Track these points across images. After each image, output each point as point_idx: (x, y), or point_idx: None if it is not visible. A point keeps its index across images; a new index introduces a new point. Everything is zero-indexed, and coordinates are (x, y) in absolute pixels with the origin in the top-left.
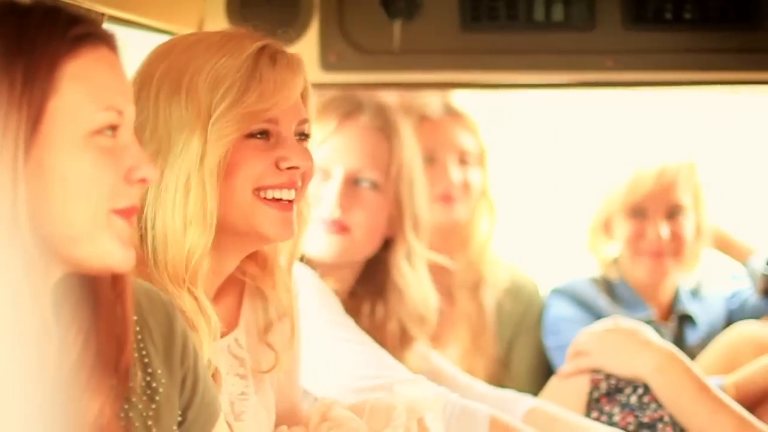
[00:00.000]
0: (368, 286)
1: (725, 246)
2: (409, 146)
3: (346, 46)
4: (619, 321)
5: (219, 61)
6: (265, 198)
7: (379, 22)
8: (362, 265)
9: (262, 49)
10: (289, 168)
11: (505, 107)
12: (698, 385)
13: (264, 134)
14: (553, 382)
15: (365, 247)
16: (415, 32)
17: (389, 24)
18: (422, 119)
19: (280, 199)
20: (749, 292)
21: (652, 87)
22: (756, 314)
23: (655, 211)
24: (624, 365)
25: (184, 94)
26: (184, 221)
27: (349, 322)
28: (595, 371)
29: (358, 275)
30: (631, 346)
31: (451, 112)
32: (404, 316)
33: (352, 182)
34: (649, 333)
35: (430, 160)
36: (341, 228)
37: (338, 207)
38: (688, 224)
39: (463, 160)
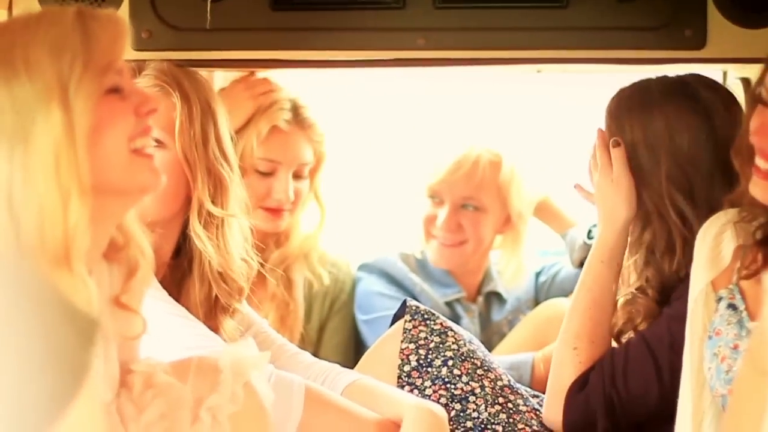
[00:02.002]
0: (180, 259)
1: (549, 216)
2: (197, 106)
3: (157, 23)
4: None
5: (48, 31)
6: (135, 149)
7: (191, 1)
8: (176, 234)
9: (80, 13)
10: (146, 113)
11: (318, 85)
12: None
13: (116, 90)
14: (365, 357)
15: (157, 206)
16: (227, 10)
17: (201, 2)
18: (273, 129)
19: (143, 147)
20: (558, 268)
21: (463, 65)
22: (564, 290)
23: (449, 199)
24: None
25: (23, 73)
26: (62, 196)
27: (162, 294)
28: (406, 342)
29: (173, 246)
30: None
31: (302, 124)
32: (211, 279)
33: None
34: None
35: (271, 172)
36: None
37: None
38: (480, 219)
39: (299, 174)
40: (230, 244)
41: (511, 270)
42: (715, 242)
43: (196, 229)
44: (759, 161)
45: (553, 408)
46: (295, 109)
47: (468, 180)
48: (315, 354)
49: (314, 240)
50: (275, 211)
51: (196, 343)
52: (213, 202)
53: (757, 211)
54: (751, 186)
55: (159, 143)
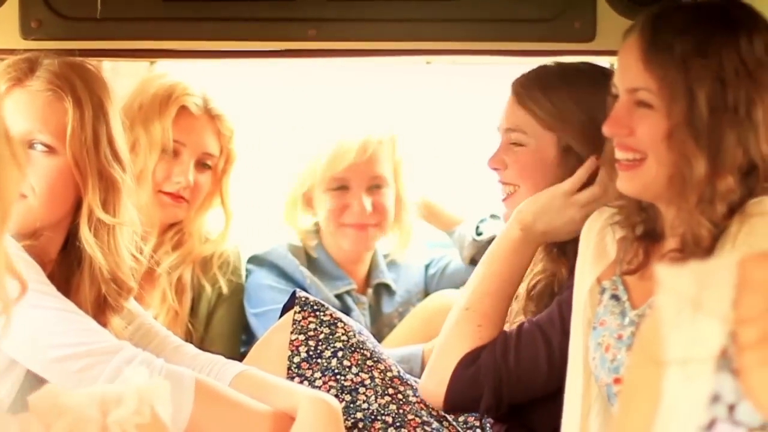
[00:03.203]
0: (69, 254)
1: (433, 216)
2: (89, 109)
3: (47, 12)
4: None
5: None
6: None
7: None
8: (64, 234)
9: None
10: None
11: (210, 76)
12: None
13: None
14: (254, 348)
15: (45, 212)
16: (118, 0)
17: None
18: (182, 111)
19: None
20: (447, 260)
21: (353, 56)
22: (454, 283)
23: (358, 183)
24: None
25: None
26: None
27: (50, 288)
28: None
29: (61, 243)
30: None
31: (210, 112)
32: (100, 280)
33: (26, 146)
34: None
35: (175, 153)
36: None
37: None
38: (390, 196)
39: (203, 164)
40: (120, 247)
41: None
42: (600, 236)
43: (85, 235)
44: (617, 154)
45: (436, 378)
46: (205, 98)
47: (374, 162)
48: (200, 346)
49: (216, 246)
50: (174, 197)
51: (86, 338)
52: (104, 206)
53: (630, 210)
54: (618, 182)
55: (49, 148)
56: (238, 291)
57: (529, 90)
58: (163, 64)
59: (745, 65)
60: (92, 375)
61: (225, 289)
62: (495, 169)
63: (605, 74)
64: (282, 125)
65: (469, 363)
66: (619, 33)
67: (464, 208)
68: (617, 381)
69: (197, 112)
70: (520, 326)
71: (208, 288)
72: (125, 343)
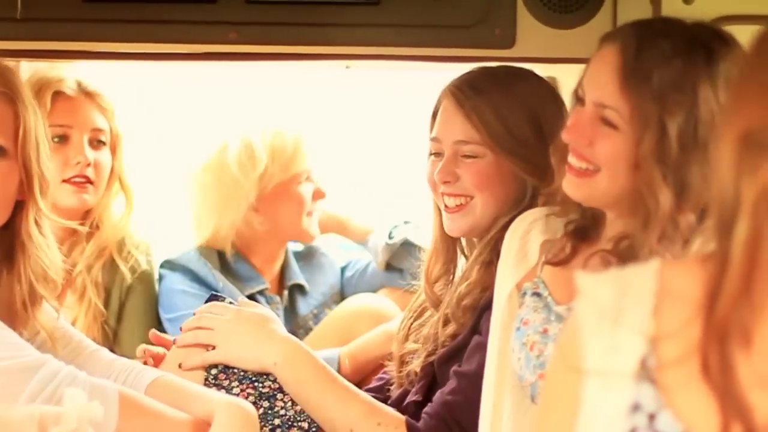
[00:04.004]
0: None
1: (343, 229)
2: (33, 111)
3: None
4: (243, 308)
5: None
6: None
7: None
8: None
9: None
10: None
11: (129, 79)
12: (323, 376)
13: None
14: (170, 355)
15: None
16: (38, 0)
17: None
18: (57, 94)
19: None
20: (365, 262)
21: (274, 60)
22: (371, 285)
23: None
24: (250, 360)
25: None
26: None
27: None
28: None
29: None
30: (256, 340)
31: (86, 91)
32: (33, 278)
33: None
34: (274, 323)
35: (63, 137)
36: None
37: None
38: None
39: (96, 141)
40: (52, 242)
41: None
42: (522, 242)
43: (32, 232)
44: (571, 159)
45: None
46: (77, 80)
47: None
48: (115, 341)
49: (124, 227)
50: (78, 184)
51: (6, 353)
52: (45, 206)
53: (570, 207)
54: (564, 183)
55: (1, 150)
56: (147, 280)
57: (471, 98)
58: (40, 65)
59: (718, 102)
60: (14, 392)
61: (140, 268)
62: (445, 182)
63: (544, 81)
64: (198, 128)
65: None
66: (538, 40)
67: (377, 216)
68: (542, 377)
69: (73, 93)
70: (454, 386)
71: (119, 278)
72: (48, 357)
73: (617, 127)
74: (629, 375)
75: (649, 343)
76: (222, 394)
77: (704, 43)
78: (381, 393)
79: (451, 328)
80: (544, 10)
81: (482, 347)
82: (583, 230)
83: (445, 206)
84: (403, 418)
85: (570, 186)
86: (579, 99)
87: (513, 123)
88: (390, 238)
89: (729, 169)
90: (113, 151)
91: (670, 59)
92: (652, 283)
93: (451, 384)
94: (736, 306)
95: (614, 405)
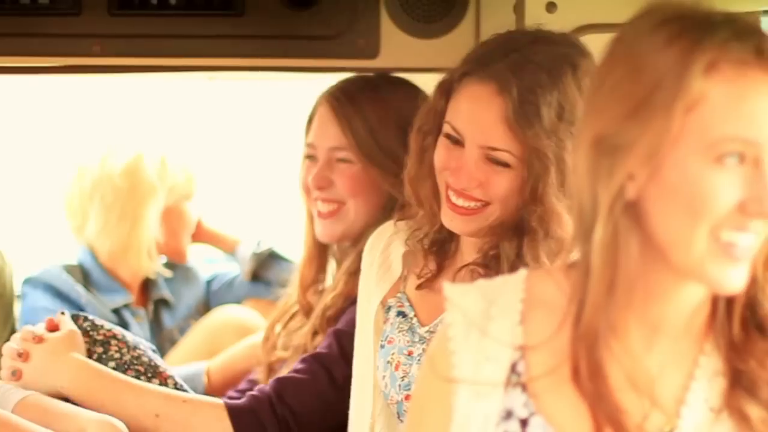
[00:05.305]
0: None
1: (211, 240)
2: None
3: None
4: (48, 334)
5: None
6: None
7: None
8: None
9: None
10: None
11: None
12: (113, 381)
13: None
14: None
15: None
16: None
17: None
18: None
19: None
20: (231, 275)
21: (137, 72)
22: (237, 298)
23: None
24: (42, 384)
25: None
26: None
27: None
28: None
29: None
30: (48, 363)
31: None
32: None
33: None
34: (70, 347)
35: None
36: None
37: None
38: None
39: None
40: None
41: None
42: (384, 256)
43: None
44: (455, 199)
45: None
46: None
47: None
48: None
49: None
50: None
51: None
52: None
53: (424, 222)
54: (446, 220)
55: None
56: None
57: (345, 107)
58: None
59: None
60: None
61: None
62: (321, 188)
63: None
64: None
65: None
66: (402, 50)
67: (243, 227)
68: (408, 398)
69: None
70: (297, 366)
71: None
72: None
73: (509, 165)
74: (500, 384)
75: (519, 352)
76: (91, 412)
77: (571, 62)
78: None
79: (319, 339)
80: (408, 20)
81: (335, 334)
82: (440, 244)
83: (318, 212)
84: (218, 400)
85: (456, 223)
86: (454, 140)
87: (382, 135)
88: (257, 248)
89: (586, 176)
90: None
91: (551, 91)
92: (520, 293)
93: (295, 366)
94: (601, 310)
95: (486, 413)
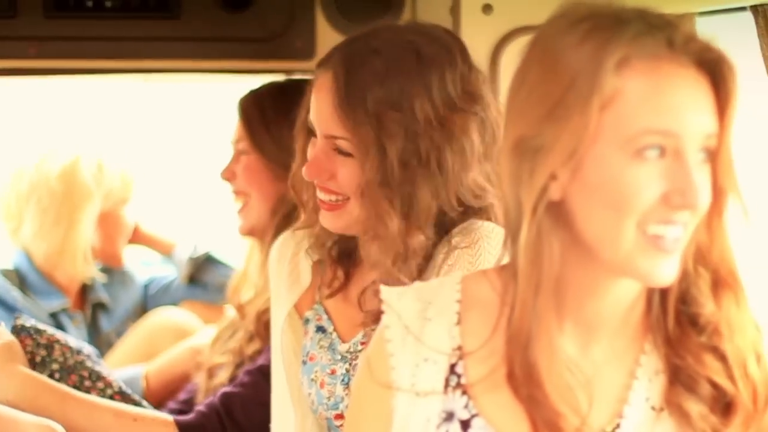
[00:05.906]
0: None
1: (149, 242)
2: None
3: None
4: None
5: None
6: None
7: None
8: None
9: None
10: None
11: None
12: (61, 397)
13: None
14: None
15: None
16: None
17: None
18: None
19: None
20: (168, 279)
21: (73, 74)
22: (175, 300)
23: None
24: None
25: None
26: None
27: None
28: None
29: None
30: None
31: None
32: None
33: None
34: (10, 359)
35: None
36: None
37: None
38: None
39: None
40: None
41: None
42: (293, 263)
43: None
44: (320, 194)
45: None
46: None
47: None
48: None
49: None
50: None
51: None
52: None
53: (328, 232)
54: (321, 219)
55: None
56: None
57: (247, 101)
58: None
59: (436, 111)
60: None
61: None
62: (227, 180)
63: None
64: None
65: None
66: None
67: (180, 228)
68: (338, 417)
69: None
70: (242, 379)
71: None
72: None
73: (352, 155)
74: (439, 386)
75: (456, 354)
76: (30, 416)
77: (417, 50)
78: (188, 406)
79: (255, 344)
80: (344, 21)
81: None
82: (347, 251)
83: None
84: (168, 416)
85: (327, 220)
86: (314, 133)
87: (276, 127)
88: (194, 252)
89: (509, 179)
90: None
91: (382, 78)
92: (456, 294)
93: (241, 378)
94: (530, 311)
95: (426, 416)
